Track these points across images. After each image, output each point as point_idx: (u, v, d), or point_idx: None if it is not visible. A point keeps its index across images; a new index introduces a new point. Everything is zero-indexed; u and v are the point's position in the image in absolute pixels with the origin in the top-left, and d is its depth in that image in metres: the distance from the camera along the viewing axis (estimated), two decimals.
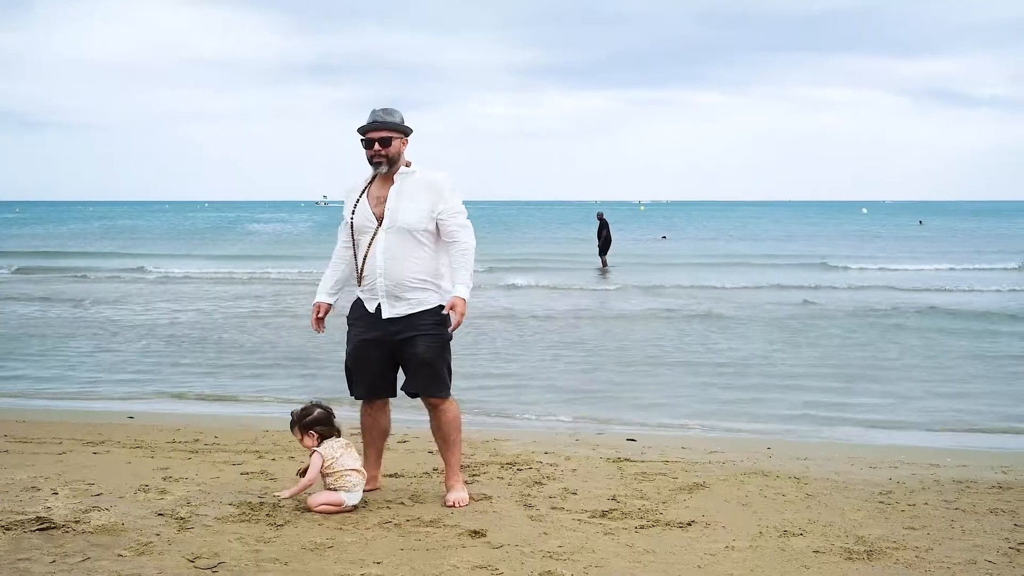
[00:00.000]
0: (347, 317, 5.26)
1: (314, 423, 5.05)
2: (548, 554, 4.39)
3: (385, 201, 5.09)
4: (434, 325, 5.11)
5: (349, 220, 5.20)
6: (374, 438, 5.51)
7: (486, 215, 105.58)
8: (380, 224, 5.08)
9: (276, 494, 5.09)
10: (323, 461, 4.98)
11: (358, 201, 5.19)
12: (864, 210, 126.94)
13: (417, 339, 5.09)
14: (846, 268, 29.62)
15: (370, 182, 5.23)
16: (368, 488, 5.37)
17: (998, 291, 22.20)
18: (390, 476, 5.87)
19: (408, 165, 5.18)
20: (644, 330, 15.26)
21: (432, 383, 5.17)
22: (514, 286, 23.38)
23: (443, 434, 5.31)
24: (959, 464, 6.76)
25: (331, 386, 10.17)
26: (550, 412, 9.38)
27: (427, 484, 5.71)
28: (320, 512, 4.90)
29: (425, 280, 5.09)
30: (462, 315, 4.99)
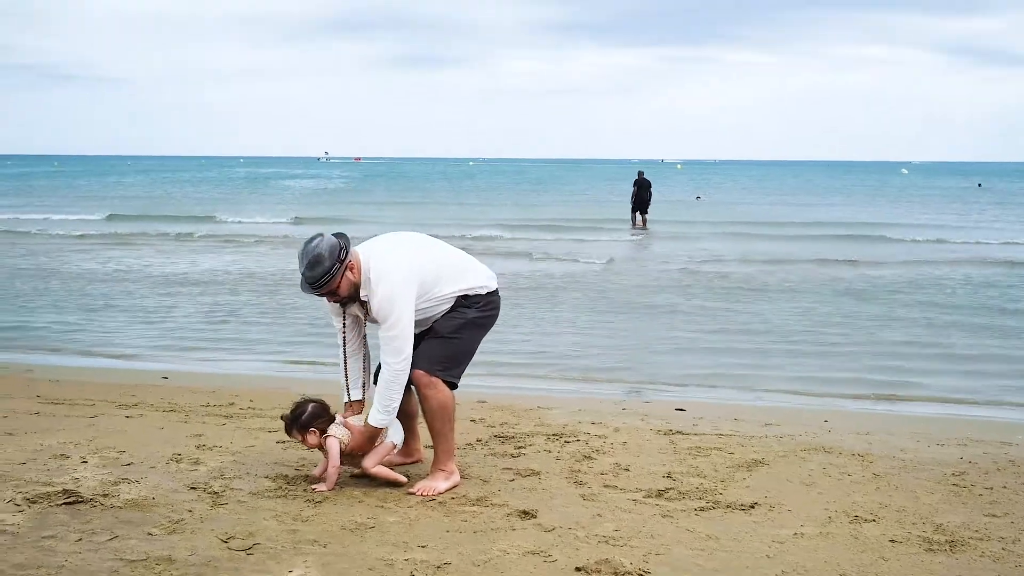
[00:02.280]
0: None
1: (312, 419, 4.70)
2: (604, 539, 4.10)
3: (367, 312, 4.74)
4: (455, 308, 4.79)
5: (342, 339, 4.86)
6: (404, 414, 5.05)
7: (522, 172, 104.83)
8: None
9: (314, 487, 4.68)
10: (340, 443, 4.69)
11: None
12: (904, 171, 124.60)
13: (438, 317, 4.79)
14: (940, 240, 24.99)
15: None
16: (411, 461, 5.13)
17: None
18: (427, 447, 5.59)
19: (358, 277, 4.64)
20: (683, 295, 14.87)
21: (427, 358, 4.69)
22: (546, 254, 22.99)
23: (429, 419, 4.79)
24: None
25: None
26: (591, 376, 9.08)
27: (470, 457, 5.43)
28: (380, 475, 4.73)
29: (438, 307, 4.80)
30: (359, 446, 4.67)
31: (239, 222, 30.71)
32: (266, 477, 4.83)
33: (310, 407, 4.72)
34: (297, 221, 31.09)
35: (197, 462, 5.08)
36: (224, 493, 4.52)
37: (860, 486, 5.06)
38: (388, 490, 4.69)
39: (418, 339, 4.71)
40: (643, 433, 6.23)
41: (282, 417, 4.77)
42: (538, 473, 5.08)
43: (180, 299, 13.74)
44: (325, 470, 4.72)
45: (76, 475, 4.72)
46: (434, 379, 4.68)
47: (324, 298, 4.65)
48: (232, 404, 6.97)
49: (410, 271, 4.59)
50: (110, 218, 31.38)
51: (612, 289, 15.20)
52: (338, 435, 4.69)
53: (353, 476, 4.81)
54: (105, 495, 4.39)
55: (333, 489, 4.63)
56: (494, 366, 8.97)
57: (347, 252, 4.53)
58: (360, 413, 4.80)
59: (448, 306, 4.77)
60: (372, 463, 4.71)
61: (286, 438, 5.69)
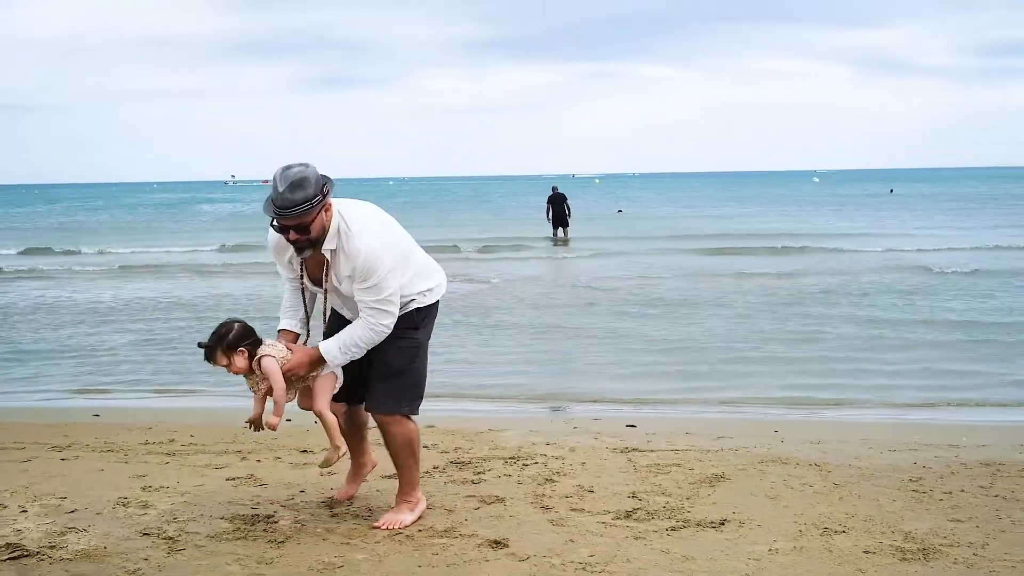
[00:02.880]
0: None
1: (240, 339, 4.14)
2: (581, 566, 4.01)
3: (322, 267, 4.23)
4: (405, 330, 4.32)
5: (298, 284, 4.38)
6: (353, 437, 4.75)
7: (443, 191, 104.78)
8: (324, 287, 4.31)
9: (267, 423, 4.18)
10: (278, 361, 4.15)
11: (302, 266, 4.30)
12: (816, 179, 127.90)
13: (384, 344, 4.27)
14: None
15: None
16: (365, 473, 4.96)
17: None
18: (389, 477, 5.44)
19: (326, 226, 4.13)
20: (607, 312, 14.92)
21: (390, 397, 4.36)
22: (467, 275, 22.93)
23: (394, 454, 4.52)
24: (979, 444, 6.48)
25: None
26: (527, 395, 9.03)
27: (429, 485, 5.28)
28: (329, 426, 4.30)
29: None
30: (298, 365, 4.20)
31: (167, 251, 29.69)
32: (222, 518, 4.62)
33: (236, 326, 4.17)
34: (223, 249, 30.16)
35: (146, 505, 4.84)
36: (180, 538, 4.30)
37: (823, 497, 5.07)
38: (353, 525, 4.52)
39: (359, 365, 4.33)
40: (600, 452, 6.17)
41: (200, 344, 4.16)
42: (502, 499, 4.97)
43: (104, 330, 13.27)
44: (259, 412, 4.25)
45: (17, 526, 4.44)
46: (398, 416, 4.41)
47: (279, 236, 4.13)
48: (172, 440, 6.70)
49: (391, 238, 4.24)
50: (27, 251, 30.22)
51: (537, 307, 15.16)
52: (273, 353, 4.15)
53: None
54: (52, 547, 4.14)
55: (277, 424, 4.16)
56: (429, 387, 8.83)
57: (330, 189, 4.07)
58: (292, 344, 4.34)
59: (402, 311, 4.29)
60: (323, 403, 4.26)
61: (236, 475, 5.50)
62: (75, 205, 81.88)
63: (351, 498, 4.91)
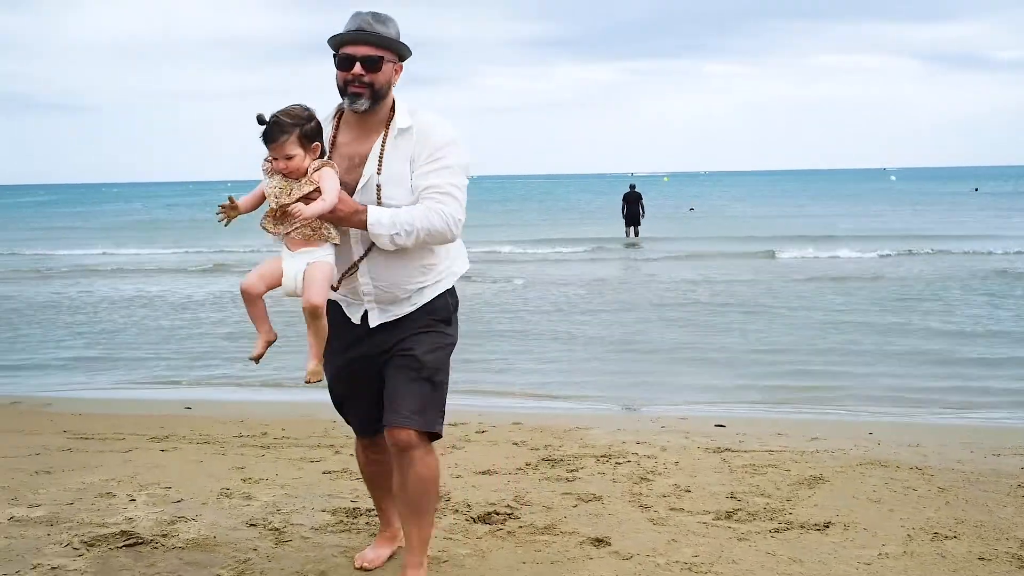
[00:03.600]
0: None
1: (316, 133, 3.29)
2: (686, 566, 3.96)
3: (365, 163, 3.34)
4: (436, 323, 3.49)
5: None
6: (384, 487, 3.86)
7: (510, 188, 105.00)
8: (362, 183, 3.35)
9: (295, 213, 3.21)
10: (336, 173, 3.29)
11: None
12: (893, 177, 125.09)
13: (411, 339, 3.43)
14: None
15: (337, 126, 3.45)
16: (393, 547, 3.97)
17: None
18: (482, 473, 5.46)
19: (394, 106, 3.40)
20: (681, 311, 14.77)
21: (422, 408, 3.43)
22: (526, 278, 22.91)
23: (412, 496, 3.50)
24: None
25: None
26: (609, 392, 8.96)
27: (524, 482, 5.29)
28: (323, 325, 3.29)
29: (425, 271, 3.46)
30: (344, 203, 3.25)
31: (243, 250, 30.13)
32: (323, 511, 4.67)
33: (315, 116, 3.32)
34: None
35: (248, 497, 4.92)
36: (286, 529, 4.36)
37: (928, 501, 4.94)
38: (454, 521, 4.52)
39: (392, 370, 3.47)
40: (692, 452, 6.10)
41: (266, 119, 3.23)
42: (599, 497, 4.94)
43: (191, 322, 13.54)
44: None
45: (128, 514, 4.55)
46: (427, 440, 3.49)
47: (342, 71, 3.29)
48: (265, 434, 6.81)
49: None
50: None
51: (610, 305, 15.08)
52: (335, 166, 3.33)
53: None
54: (164, 535, 4.22)
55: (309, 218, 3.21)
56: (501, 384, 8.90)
57: (406, 57, 3.41)
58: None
59: (437, 291, 3.50)
60: (319, 295, 3.25)
61: (332, 468, 5.56)
62: (151, 203, 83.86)
63: (380, 566, 3.88)
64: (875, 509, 4.79)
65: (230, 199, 3.23)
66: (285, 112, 3.24)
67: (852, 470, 5.58)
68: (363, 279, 3.40)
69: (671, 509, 4.76)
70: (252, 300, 3.33)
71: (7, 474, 5.41)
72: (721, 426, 7.18)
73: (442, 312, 3.52)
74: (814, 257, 22.60)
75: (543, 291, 16.81)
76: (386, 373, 3.46)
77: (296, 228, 3.23)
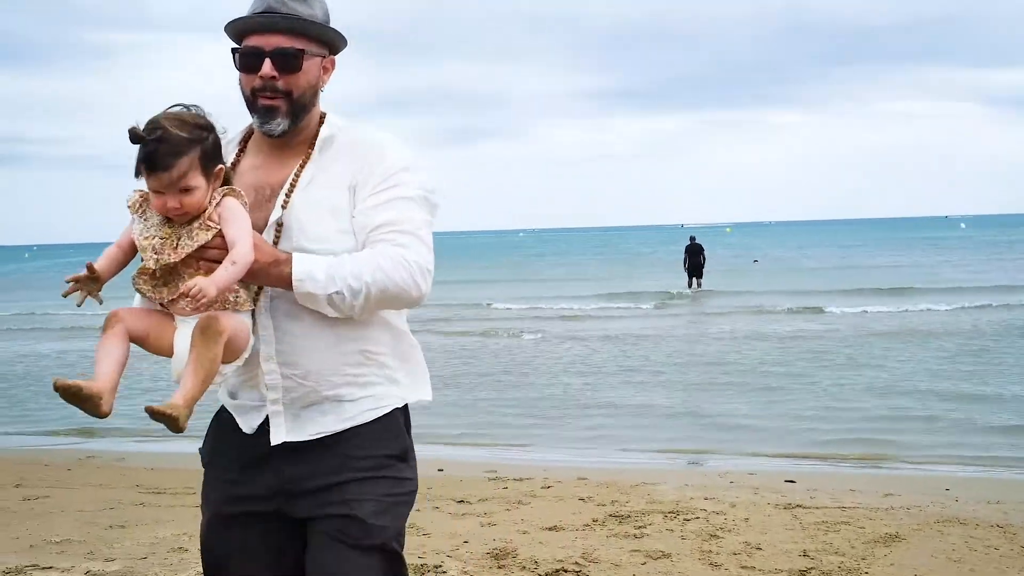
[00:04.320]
0: (200, 448, 2.36)
1: (217, 150, 2.16)
2: None
3: (278, 194, 2.24)
4: (388, 459, 2.24)
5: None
6: None
7: (575, 241, 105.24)
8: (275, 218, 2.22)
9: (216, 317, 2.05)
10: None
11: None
12: (963, 225, 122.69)
13: (349, 487, 2.19)
14: None
15: (243, 149, 2.34)
16: None
17: None
18: (549, 529, 5.42)
19: (323, 120, 2.32)
20: (744, 363, 14.57)
21: None
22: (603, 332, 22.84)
23: None
24: None
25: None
26: (670, 444, 8.87)
27: (592, 539, 5.24)
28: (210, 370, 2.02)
29: (368, 359, 2.26)
30: (262, 252, 2.10)
31: None
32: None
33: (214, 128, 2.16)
34: None
35: None
36: None
37: (1012, 561, 4.78)
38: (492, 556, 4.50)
39: (316, 538, 2.19)
40: (762, 508, 5.99)
41: (142, 132, 2.04)
42: (668, 555, 4.87)
43: None
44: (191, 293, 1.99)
45: (200, 569, 4.60)
46: None
47: (245, 72, 2.22)
48: None
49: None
50: None
51: (674, 361, 14.94)
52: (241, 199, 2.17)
53: None
54: None
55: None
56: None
57: (340, 48, 2.33)
58: None
59: (385, 404, 2.27)
60: (219, 343, 2.04)
61: None
62: None
63: None
64: (955, 569, 4.65)
65: (88, 267, 2.08)
66: (173, 119, 2.08)
67: (930, 528, 5.43)
68: (266, 364, 2.20)
69: (742, 567, 4.67)
70: (117, 335, 2.06)
71: (83, 528, 5.53)
72: (791, 482, 7.04)
73: (395, 440, 2.27)
74: (881, 311, 22.15)
75: (603, 346, 16.74)
76: (309, 542, 2.21)
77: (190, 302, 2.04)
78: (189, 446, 9.29)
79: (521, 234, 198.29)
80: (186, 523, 5.62)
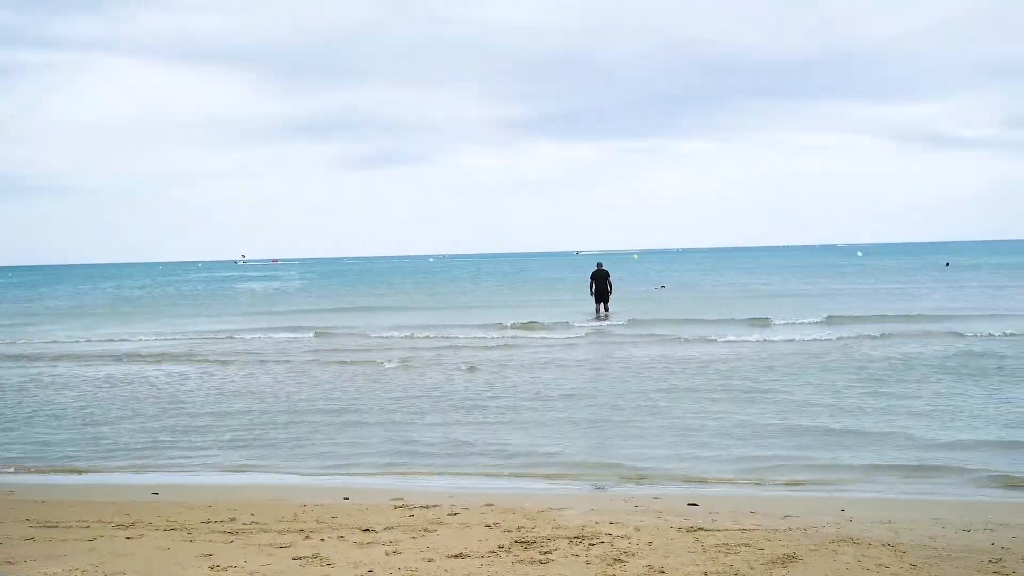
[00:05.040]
0: None
1: None
2: None
3: None
4: None
5: None
6: None
7: (483, 266, 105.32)
8: None
9: None
10: None
11: None
12: (859, 253, 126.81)
13: None
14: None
15: None
16: None
17: None
18: (455, 557, 5.40)
19: None
20: (648, 386, 14.78)
21: None
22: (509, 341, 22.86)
23: None
24: None
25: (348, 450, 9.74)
26: (582, 472, 8.92)
27: (497, 566, 5.24)
28: None
29: None
30: None
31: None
32: None
33: None
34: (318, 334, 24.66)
35: None
36: None
37: None
38: None
39: None
40: (665, 531, 6.08)
41: None
42: None
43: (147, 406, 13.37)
44: None
45: None
46: None
47: None
48: (233, 519, 6.72)
49: None
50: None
51: (579, 386, 15.05)
52: None
53: None
54: None
55: None
56: (457, 460, 8.92)
57: None
58: None
59: None
60: None
61: (302, 554, 5.49)
62: (125, 284, 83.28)
63: None
64: None
65: None
66: None
67: (825, 548, 5.59)
68: None
69: None
70: None
71: None
72: (694, 505, 7.17)
73: None
74: (779, 339, 22.71)
75: (508, 373, 16.76)
76: None
77: None
78: (83, 479, 9.04)
79: (431, 259, 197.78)
80: (78, 557, 5.44)
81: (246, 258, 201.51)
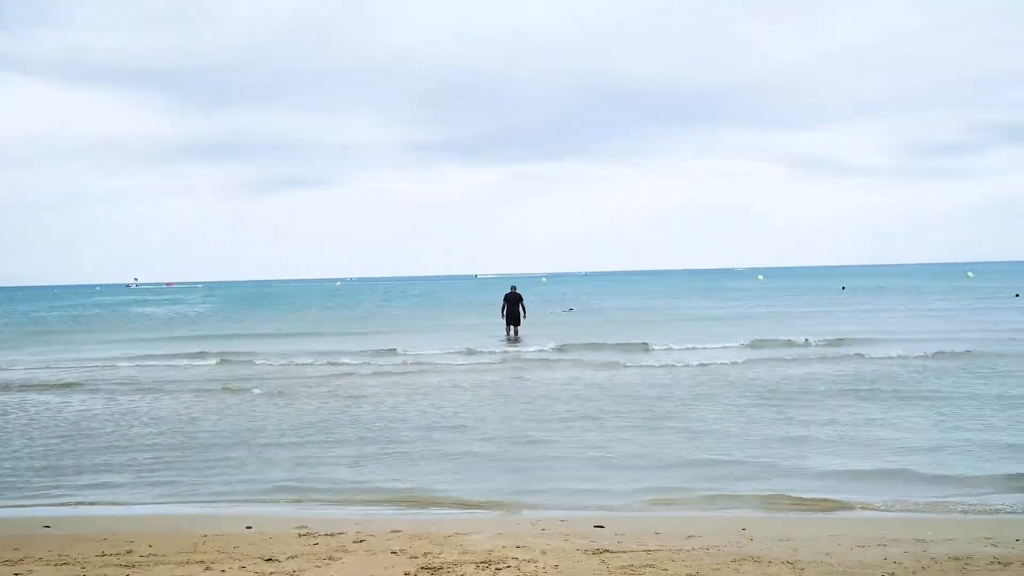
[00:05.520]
0: None
1: None
2: None
3: None
4: None
5: None
6: None
7: (392, 290, 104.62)
8: None
9: None
10: None
11: None
12: (760, 277, 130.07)
13: None
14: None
15: None
16: None
17: None
18: None
19: None
20: (548, 409, 14.89)
21: None
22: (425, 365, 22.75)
23: None
24: (945, 538, 6.54)
25: (250, 478, 9.55)
26: (490, 497, 8.91)
27: None
28: None
29: None
30: None
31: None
32: None
33: None
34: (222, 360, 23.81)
35: None
36: None
37: None
38: None
39: None
40: (571, 554, 6.12)
41: None
42: None
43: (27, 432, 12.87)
44: None
45: None
46: None
47: None
48: (130, 552, 6.51)
49: None
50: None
51: (488, 408, 15.07)
52: None
53: None
54: None
55: None
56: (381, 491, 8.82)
57: None
58: None
59: None
60: None
61: None
62: (18, 308, 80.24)
63: None
64: None
65: None
66: None
67: (727, 566, 5.69)
68: None
69: None
70: None
71: None
72: (600, 527, 7.22)
73: None
74: (683, 363, 23.15)
75: (416, 395, 16.68)
76: None
77: None
78: None
79: (339, 283, 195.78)
80: None
81: (139, 281, 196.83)
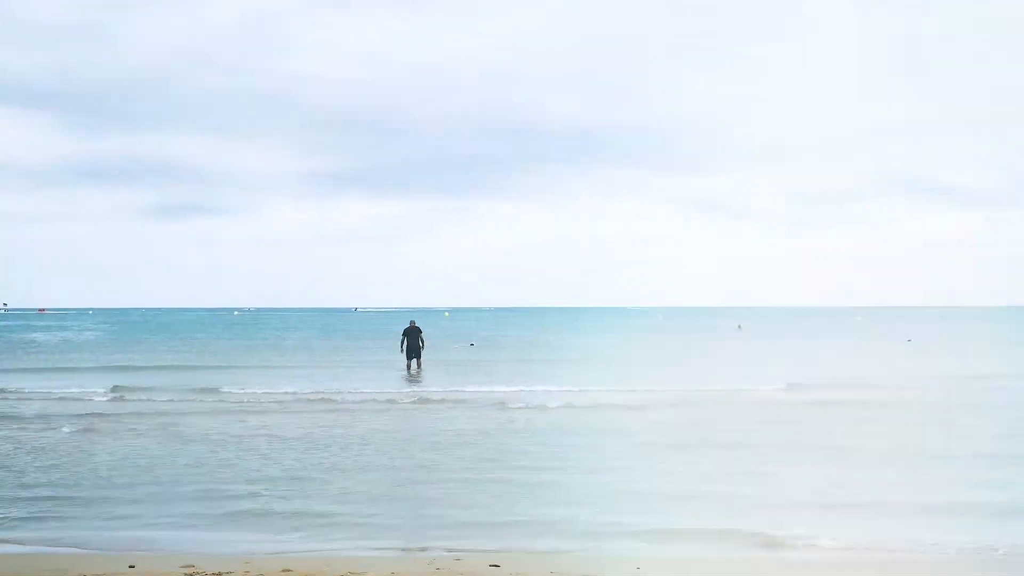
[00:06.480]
0: None
1: None
2: None
3: None
4: None
5: None
6: None
7: (291, 321, 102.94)
8: None
9: None
10: None
11: None
12: (660, 316, 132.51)
13: None
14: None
15: None
16: None
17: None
18: None
19: None
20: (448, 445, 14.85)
21: None
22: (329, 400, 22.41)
23: None
24: None
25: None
26: (385, 534, 8.79)
27: None
28: None
29: None
30: None
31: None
32: None
33: None
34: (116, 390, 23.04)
35: None
36: None
37: None
38: None
39: None
40: None
41: None
42: None
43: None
44: None
45: None
46: None
47: None
48: None
49: None
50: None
51: (379, 446, 14.93)
52: None
53: None
54: None
55: None
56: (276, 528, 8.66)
57: None
58: None
59: None
60: None
61: None
62: None
63: None
64: None
65: None
66: None
67: None
68: None
69: None
70: None
71: None
72: (496, 566, 7.20)
73: None
74: (571, 406, 23.34)
75: (301, 432, 16.42)
76: None
77: None
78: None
79: (236, 312, 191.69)
80: None
81: (8, 306, 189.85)
